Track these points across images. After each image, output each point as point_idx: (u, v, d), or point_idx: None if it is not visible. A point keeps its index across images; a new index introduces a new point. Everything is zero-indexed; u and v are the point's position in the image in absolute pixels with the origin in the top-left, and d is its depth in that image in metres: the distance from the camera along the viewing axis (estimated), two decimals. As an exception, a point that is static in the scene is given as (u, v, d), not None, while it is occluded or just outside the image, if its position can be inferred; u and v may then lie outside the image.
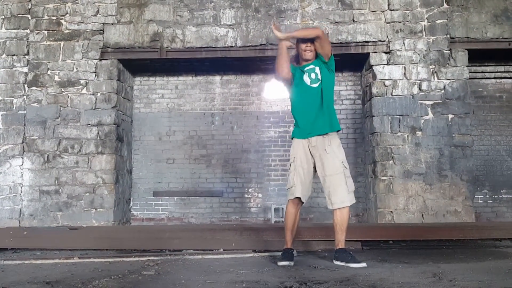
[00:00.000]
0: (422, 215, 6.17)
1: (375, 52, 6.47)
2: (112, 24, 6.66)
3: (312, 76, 3.51)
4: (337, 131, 3.53)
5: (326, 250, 4.26)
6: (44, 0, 6.70)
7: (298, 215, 3.54)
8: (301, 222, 7.10)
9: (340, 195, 3.36)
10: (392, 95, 6.39)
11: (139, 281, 2.86)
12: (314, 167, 3.51)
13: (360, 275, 2.97)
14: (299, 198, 3.47)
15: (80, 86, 6.61)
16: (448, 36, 6.44)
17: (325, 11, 6.55)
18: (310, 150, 3.48)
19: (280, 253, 3.56)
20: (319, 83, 3.50)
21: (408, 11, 6.47)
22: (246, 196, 7.33)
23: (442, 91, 6.37)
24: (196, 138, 7.44)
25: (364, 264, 3.26)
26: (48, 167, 6.49)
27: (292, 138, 3.63)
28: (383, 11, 6.50)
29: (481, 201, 7.06)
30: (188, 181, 7.36)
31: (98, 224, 6.37)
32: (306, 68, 3.54)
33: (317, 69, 3.52)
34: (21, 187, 6.53)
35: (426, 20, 6.45)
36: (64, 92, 6.60)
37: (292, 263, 3.38)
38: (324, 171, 3.42)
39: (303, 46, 3.52)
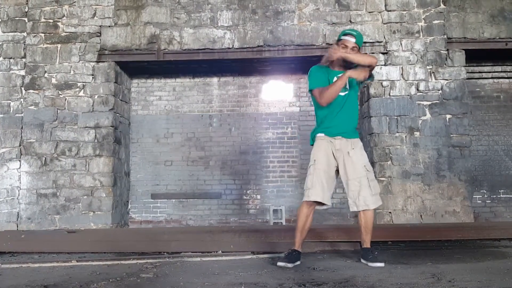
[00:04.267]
0: (421, 215, 6.17)
1: (373, 53, 6.47)
2: (109, 26, 6.65)
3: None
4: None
5: (325, 251, 4.26)
6: (41, 3, 6.69)
7: (311, 217, 3.48)
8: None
9: (364, 197, 3.35)
10: (389, 95, 6.40)
11: (137, 284, 2.85)
12: (337, 170, 3.49)
13: (359, 276, 2.96)
14: (315, 201, 3.42)
15: (78, 89, 6.60)
16: (445, 36, 6.45)
17: (322, 12, 6.56)
18: (333, 153, 3.44)
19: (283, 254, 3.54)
20: (346, 92, 3.47)
21: (405, 12, 6.48)
22: (245, 197, 7.32)
23: (440, 91, 6.38)
24: (194, 140, 7.44)
25: (380, 264, 3.28)
26: (46, 170, 6.48)
27: (312, 141, 3.56)
28: (380, 12, 6.51)
29: (480, 201, 7.07)
30: (186, 183, 7.35)
31: (96, 227, 6.35)
32: (340, 75, 3.47)
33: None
34: (18, 190, 6.51)
35: (423, 21, 6.47)
36: (61, 94, 6.59)
37: (289, 265, 3.33)
38: (347, 175, 3.40)
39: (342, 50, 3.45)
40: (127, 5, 6.69)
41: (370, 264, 3.32)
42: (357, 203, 3.38)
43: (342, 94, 3.46)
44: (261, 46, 6.58)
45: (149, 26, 6.64)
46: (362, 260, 3.42)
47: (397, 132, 6.34)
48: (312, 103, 3.77)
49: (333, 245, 4.41)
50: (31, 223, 6.39)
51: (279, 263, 3.37)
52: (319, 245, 4.39)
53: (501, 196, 7.10)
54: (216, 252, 4.29)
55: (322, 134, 3.49)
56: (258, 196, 7.31)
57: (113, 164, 6.56)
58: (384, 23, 6.49)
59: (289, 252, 3.47)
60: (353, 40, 3.45)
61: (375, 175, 6.18)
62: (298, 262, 3.41)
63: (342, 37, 3.49)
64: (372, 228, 3.45)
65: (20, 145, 6.58)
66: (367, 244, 3.46)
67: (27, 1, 6.76)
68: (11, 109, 6.65)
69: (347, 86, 3.48)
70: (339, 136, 3.44)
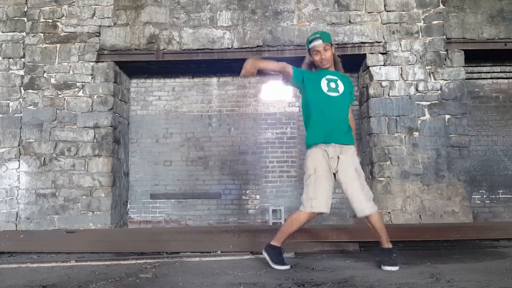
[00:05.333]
0: (420, 215, 6.17)
1: (372, 53, 6.48)
2: (108, 26, 6.65)
3: (331, 85, 3.41)
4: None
5: (324, 251, 4.26)
6: (40, 3, 6.69)
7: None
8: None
9: (359, 203, 3.25)
10: (389, 96, 6.40)
11: (136, 284, 2.85)
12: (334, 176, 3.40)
13: (358, 276, 2.96)
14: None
15: (77, 89, 6.60)
16: (444, 36, 6.46)
17: (322, 12, 6.56)
18: (328, 160, 3.35)
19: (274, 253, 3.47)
20: (337, 94, 3.40)
21: (404, 12, 6.49)
22: (244, 198, 7.32)
23: (439, 91, 6.38)
24: (193, 140, 7.43)
25: (390, 268, 3.20)
26: (45, 170, 6.47)
27: (308, 148, 3.44)
28: (379, 12, 6.51)
29: (479, 201, 7.07)
30: (186, 183, 7.35)
31: (95, 227, 6.35)
32: (328, 76, 3.44)
33: (338, 81, 3.45)
34: (17, 190, 6.50)
35: (422, 21, 6.47)
36: (60, 94, 6.58)
37: (288, 267, 3.36)
38: (341, 180, 3.32)
39: (318, 59, 3.45)
40: (127, 5, 6.69)
41: (382, 267, 3.24)
42: (355, 209, 3.28)
43: (332, 94, 3.38)
44: (261, 46, 6.58)
45: (148, 26, 6.64)
46: (380, 263, 3.33)
47: (396, 132, 6.34)
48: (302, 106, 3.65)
49: (332, 245, 4.41)
50: (30, 223, 6.38)
51: (277, 267, 3.36)
52: (318, 245, 4.39)
53: (500, 196, 7.10)
54: (215, 252, 4.29)
55: (318, 144, 3.37)
56: (257, 196, 7.31)
57: (112, 164, 6.55)
58: (383, 24, 6.49)
59: (272, 252, 3.43)
60: (320, 42, 3.40)
61: (374, 175, 6.27)
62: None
63: (310, 46, 3.45)
64: (382, 228, 3.31)
65: (19, 145, 6.57)
66: (383, 245, 3.35)
67: (26, 1, 6.75)
68: (10, 109, 6.64)
69: (339, 89, 3.41)
70: (332, 143, 3.34)
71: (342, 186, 3.32)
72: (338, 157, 3.32)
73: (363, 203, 3.24)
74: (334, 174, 3.36)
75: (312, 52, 3.45)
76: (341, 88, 3.43)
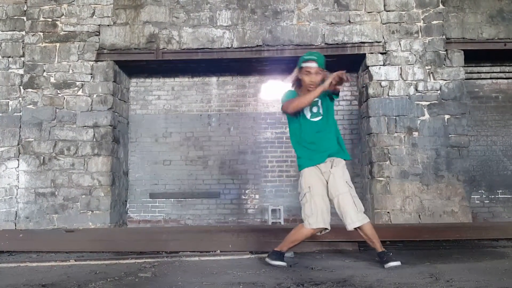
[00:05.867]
0: (419, 215, 6.18)
1: (371, 53, 6.48)
2: (108, 25, 6.65)
3: (314, 110, 3.42)
4: (345, 160, 3.47)
5: (323, 251, 4.26)
6: (39, 2, 6.68)
7: None
8: (297, 222, 7.10)
9: (350, 216, 3.28)
10: (388, 95, 6.40)
11: (135, 284, 2.85)
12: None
13: (357, 275, 2.97)
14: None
15: (76, 88, 6.59)
16: (444, 36, 6.46)
17: (321, 12, 6.56)
18: (322, 175, 3.40)
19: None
20: (320, 118, 3.41)
21: (404, 12, 6.49)
22: (243, 197, 7.32)
23: (438, 91, 6.38)
24: (193, 140, 7.43)
25: (394, 263, 3.23)
26: (44, 169, 6.47)
27: (300, 171, 3.48)
28: (379, 12, 6.51)
29: (478, 201, 7.07)
30: (185, 182, 7.35)
31: (95, 226, 6.35)
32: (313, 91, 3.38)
33: (319, 102, 3.44)
34: (17, 190, 6.50)
35: (422, 21, 6.47)
36: (59, 94, 6.58)
37: (284, 264, 3.45)
38: (332, 193, 3.36)
39: (307, 80, 3.39)
40: (126, 4, 6.69)
41: (385, 266, 3.25)
42: (346, 222, 3.31)
43: (315, 119, 3.40)
44: (260, 45, 6.58)
45: (148, 25, 6.64)
46: (382, 264, 3.35)
47: (396, 132, 6.34)
48: (289, 131, 3.63)
49: (332, 244, 4.41)
50: (30, 222, 6.38)
51: (273, 262, 3.44)
52: (317, 245, 4.39)
53: (499, 196, 7.11)
54: (215, 251, 4.29)
55: (309, 167, 3.41)
56: (257, 196, 7.31)
57: (112, 164, 6.55)
58: (383, 23, 6.49)
59: (276, 252, 3.51)
60: (314, 65, 3.38)
61: (373, 175, 6.27)
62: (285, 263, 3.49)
63: (303, 64, 3.41)
64: (374, 236, 3.36)
65: (18, 144, 6.57)
66: (377, 250, 3.39)
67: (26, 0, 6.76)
68: (10, 108, 6.63)
69: (321, 111, 3.42)
70: (322, 163, 3.39)
71: (334, 200, 3.36)
72: (330, 170, 3.37)
73: (354, 215, 3.28)
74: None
75: (303, 71, 3.43)
76: (322, 107, 3.44)
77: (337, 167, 3.38)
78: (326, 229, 3.39)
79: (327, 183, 3.38)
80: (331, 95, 3.44)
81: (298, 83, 3.53)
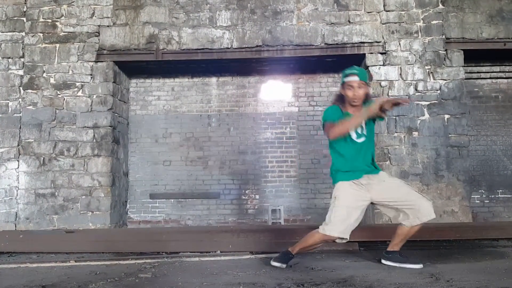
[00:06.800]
0: (419, 215, 6.16)
1: (371, 53, 6.48)
2: (107, 26, 6.65)
3: (358, 130, 3.37)
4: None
5: (323, 251, 4.26)
6: (39, 2, 6.69)
7: None
8: (298, 223, 7.10)
9: (426, 206, 3.30)
10: (388, 95, 6.39)
11: (136, 284, 2.85)
12: (370, 203, 3.42)
13: (357, 276, 2.96)
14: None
15: (76, 89, 6.59)
16: (443, 36, 6.46)
17: (321, 12, 6.56)
18: (363, 185, 3.34)
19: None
20: (364, 139, 3.38)
21: (403, 12, 6.49)
22: (243, 197, 7.32)
23: (438, 91, 6.38)
24: (193, 140, 7.43)
25: (415, 266, 3.29)
26: (44, 170, 6.47)
27: (334, 180, 3.44)
28: (378, 12, 6.51)
29: (478, 201, 7.07)
30: (185, 183, 7.35)
31: (95, 227, 6.35)
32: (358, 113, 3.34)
33: (363, 122, 3.38)
34: (17, 190, 6.50)
35: (421, 21, 6.47)
36: (59, 94, 6.58)
37: (284, 266, 3.40)
38: (393, 196, 3.33)
39: (350, 95, 3.34)
40: (126, 5, 6.69)
41: (407, 266, 3.30)
42: (422, 214, 3.30)
43: (359, 140, 3.36)
44: (260, 46, 6.58)
45: (147, 26, 6.64)
46: (390, 263, 3.38)
47: (396, 132, 6.34)
48: (328, 141, 3.52)
49: (332, 244, 4.38)
50: (30, 223, 6.38)
51: (274, 263, 3.42)
52: (317, 245, 4.38)
53: (500, 196, 7.11)
54: (215, 252, 4.29)
55: (343, 181, 3.37)
56: (257, 196, 7.31)
57: (112, 164, 6.55)
58: (382, 23, 6.49)
59: (284, 253, 3.49)
60: (356, 78, 3.34)
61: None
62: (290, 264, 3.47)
63: (345, 79, 3.37)
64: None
65: (18, 145, 6.57)
66: (398, 248, 3.47)
67: (25, 0, 6.75)
68: (10, 109, 6.63)
69: (364, 132, 3.39)
70: (361, 178, 3.36)
71: (396, 201, 3.33)
72: (384, 181, 3.37)
73: (429, 207, 3.29)
74: (372, 203, 3.40)
75: (345, 86, 3.38)
76: (366, 129, 3.41)
77: (380, 177, 3.38)
78: (343, 238, 3.32)
79: (379, 190, 3.34)
80: (375, 118, 3.40)
81: (341, 98, 3.48)
